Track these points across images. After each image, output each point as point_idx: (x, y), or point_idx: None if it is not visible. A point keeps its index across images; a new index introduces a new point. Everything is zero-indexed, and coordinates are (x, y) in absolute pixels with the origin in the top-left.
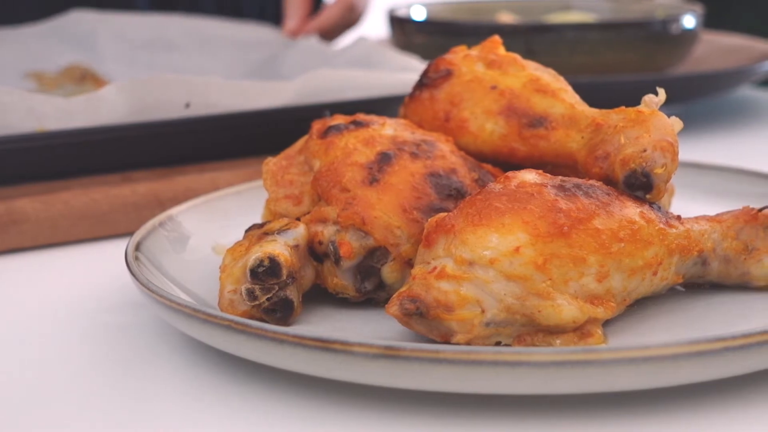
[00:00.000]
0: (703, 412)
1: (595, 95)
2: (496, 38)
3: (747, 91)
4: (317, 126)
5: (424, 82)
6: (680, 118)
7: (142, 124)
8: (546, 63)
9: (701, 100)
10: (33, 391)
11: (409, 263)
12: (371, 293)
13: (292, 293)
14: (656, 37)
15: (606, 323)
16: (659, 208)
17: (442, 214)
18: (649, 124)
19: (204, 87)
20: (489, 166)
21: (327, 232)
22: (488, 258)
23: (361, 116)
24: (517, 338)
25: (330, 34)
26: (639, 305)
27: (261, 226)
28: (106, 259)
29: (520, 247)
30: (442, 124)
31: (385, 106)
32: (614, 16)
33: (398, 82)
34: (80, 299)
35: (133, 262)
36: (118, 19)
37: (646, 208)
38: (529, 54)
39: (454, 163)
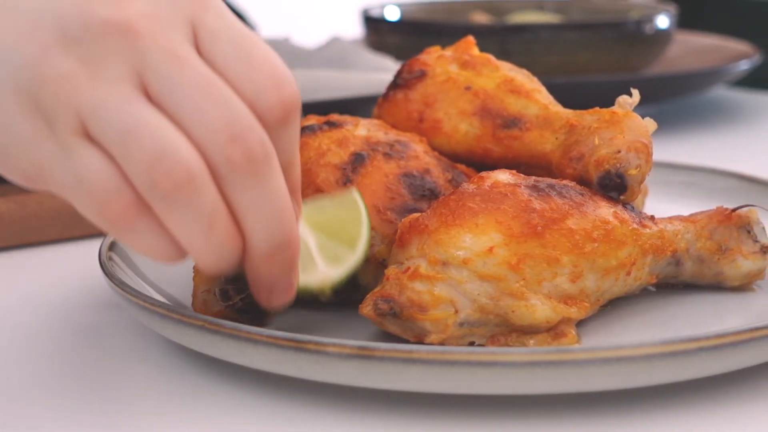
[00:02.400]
0: (678, 412)
1: (569, 96)
2: (470, 39)
3: (721, 92)
4: None
5: (398, 83)
6: (654, 119)
7: None
8: (520, 63)
9: (675, 100)
10: (5, 392)
11: (383, 264)
12: (345, 294)
13: None
14: (630, 38)
15: (580, 323)
16: (633, 208)
17: (416, 215)
18: (623, 125)
19: None
20: (463, 167)
21: None
22: (462, 258)
23: (334, 117)
24: (490, 338)
25: None
26: (613, 305)
27: None
28: (80, 260)
29: (493, 247)
30: (416, 125)
31: (359, 106)
32: (587, 16)
33: (372, 83)
34: (54, 299)
35: (106, 263)
36: None
37: (619, 209)
38: (503, 54)
39: (428, 164)
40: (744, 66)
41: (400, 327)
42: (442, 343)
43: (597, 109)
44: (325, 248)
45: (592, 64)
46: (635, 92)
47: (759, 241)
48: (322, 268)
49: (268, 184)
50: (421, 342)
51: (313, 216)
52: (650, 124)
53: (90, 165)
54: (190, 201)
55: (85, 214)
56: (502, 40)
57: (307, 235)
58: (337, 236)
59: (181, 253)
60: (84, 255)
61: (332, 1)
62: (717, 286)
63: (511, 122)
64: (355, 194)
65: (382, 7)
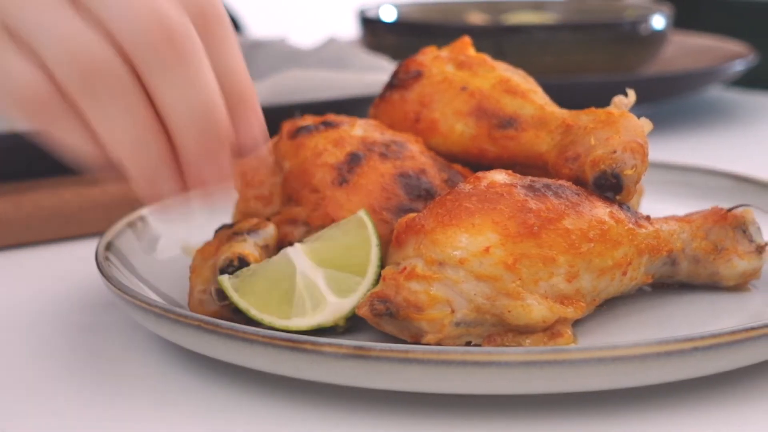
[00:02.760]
0: (674, 412)
1: (564, 96)
2: (466, 39)
3: (716, 92)
4: (287, 127)
5: (394, 83)
6: (650, 119)
7: None
8: (516, 64)
9: (671, 100)
10: (2, 391)
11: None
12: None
13: None
14: (626, 38)
15: (576, 323)
16: (628, 208)
17: (412, 215)
18: (619, 126)
19: None
20: (459, 167)
21: (297, 232)
22: (458, 258)
23: (331, 117)
24: (487, 338)
25: None
26: (608, 305)
27: (231, 226)
28: (76, 260)
29: (489, 247)
30: (413, 125)
31: (355, 106)
32: (583, 17)
33: (368, 83)
34: (51, 299)
35: (103, 263)
36: None
37: (615, 208)
38: (499, 55)
39: (424, 164)
40: (739, 66)
41: (397, 327)
42: (438, 343)
43: (593, 109)
44: (334, 281)
45: (587, 65)
46: (631, 92)
47: (754, 241)
48: (333, 301)
49: (193, 73)
50: (417, 342)
51: (320, 252)
52: (646, 124)
53: (12, 61)
54: (108, 91)
55: (10, 112)
56: (498, 41)
57: (314, 274)
58: (347, 266)
59: (103, 151)
60: (80, 255)
61: (329, 2)
62: (712, 286)
63: (507, 122)
64: (362, 215)
65: (379, 7)
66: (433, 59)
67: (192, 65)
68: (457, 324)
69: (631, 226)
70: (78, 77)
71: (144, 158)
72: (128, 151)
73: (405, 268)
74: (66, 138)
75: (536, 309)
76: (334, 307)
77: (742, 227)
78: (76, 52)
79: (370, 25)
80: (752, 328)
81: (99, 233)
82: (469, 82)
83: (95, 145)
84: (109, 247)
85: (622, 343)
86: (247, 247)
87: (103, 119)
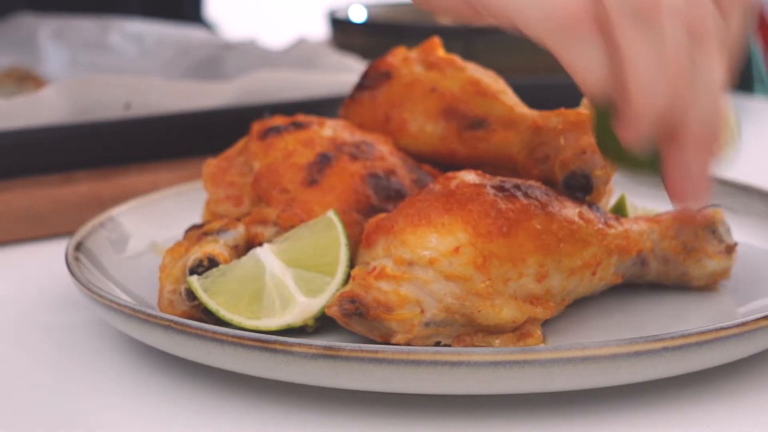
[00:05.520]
0: (641, 412)
1: (534, 97)
2: (436, 40)
3: None
4: (257, 127)
5: (364, 84)
6: None
7: (83, 124)
8: (485, 64)
9: None
10: None
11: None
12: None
13: None
14: None
15: (545, 323)
16: (598, 208)
17: (382, 215)
18: (589, 126)
19: (144, 87)
20: (428, 167)
21: (267, 233)
22: (428, 258)
23: (300, 117)
24: (456, 338)
25: None
26: (578, 305)
27: (201, 226)
28: (46, 260)
29: (459, 247)
30: (383, 126)
31: (325, 107)
32: None
33: (338, 83)
34: (21, 299)
35: (73, 263)
36: (58, 22)
37: (585, 209)
38: (468, 55)
39: (394, 164)
40: None
41: (366, 327)
42: (408, 343)
43: (562, 110)
44: (303, 281)
45: (557, 65)
46: None
47: (724, 241)
48: (303, 300)
49: (717, 61)
50: (387, 342)
51: (289, 253)
52: None
53: None
54: (659, 24)
55: (535, 21)
56: (467, 42)
57: (283, 273)
58: (316, 266)
59: (607, 82)
60: (50, 255)
61: (298, 3)
62: (682, 286)
63: (477, 123)
64: (331, 215)
65: (348, 8)
66: (402, 60)
67: (717, 59)
68: (427, 324)
69: (600, 226)
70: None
71: (651, 103)
72: (644, 86)
73: (375, 268)
74: (578, 54)
75: (506, 309)
76: (303, 307)
77: (711, 227)
78: None
79: (340, 25)
80: (722, 329)
81: (69, 233)
82: (438, 82)
83: (604, 69)
84: (78, 247)
85: (591, 343)
86: (217, 248)
87: (639, 45)
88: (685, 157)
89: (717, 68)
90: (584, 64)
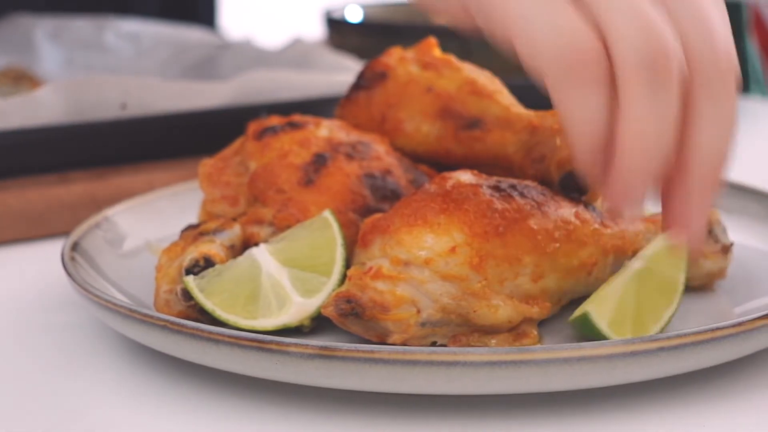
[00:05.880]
0: (637, 412)
1: (530, 97)
2: (432, 40)
3: None
4: (253, 127)
5: (360, 84)
6: None
7: (79, 124)
8: (481, 65)
9: None
10: None
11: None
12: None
13: None
14: None
15: (541, 323)
16: (594, 208)
17: (378, 215)
18: None
19: (140, 87)
20: (425, 167)
21: (263, 233)
22: (424, 258)
23: (296, 117)
24: (452, 338)
25: None
26: (574, 305)
27: (197, 226)
28: (42, 260)
29: (455, 247)
30: (379, 126)
31: (321, 107)
32: None
33: (334, 83)
34: (16, 300)
35: (69, 263)
36: (54, 22)
37: (581, 209)
38: (464, 56)
39: (390, 164)
40: None
41: (363, 327)
42: (404, 343)
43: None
44: (300, 281)
45: None
46: None
47: (720, 241)
48: (298, 300)
49: (731, 101)
50: (383, 342)
51: (285, 253)
52: None
53: (571, 16)
54: (665, 78)
55: (539, 51)
56: (464, 42)
57: (280, 274)
58: (312, 266)
59: (601, 134)
60: (46, 255)
61: (294, 3)
62: None
63: (473, 123)
64: (327, 215)
65: (344, 8)
66: (398, 60)
67: (731, 98)
68: (423, 324)
69: (596, 226)
70: (649, 54)
71: (648, 155)
72: (643, 138)
73: (371, 268)
74: (578, 100)
75: (502, 309)
76: (299, 307)
77: (707, 227)
78: (654, 33)
79: (336, 25)
80: (718, 329)
81: (65, 233)
82: (434, 82)
83: (602, 120)
84: (75, 247)
85: (587, 344)
86: (214, 248)
87: (644, 99)
88: (684, 206)
89: (730, 112)
90: (581, 113)
